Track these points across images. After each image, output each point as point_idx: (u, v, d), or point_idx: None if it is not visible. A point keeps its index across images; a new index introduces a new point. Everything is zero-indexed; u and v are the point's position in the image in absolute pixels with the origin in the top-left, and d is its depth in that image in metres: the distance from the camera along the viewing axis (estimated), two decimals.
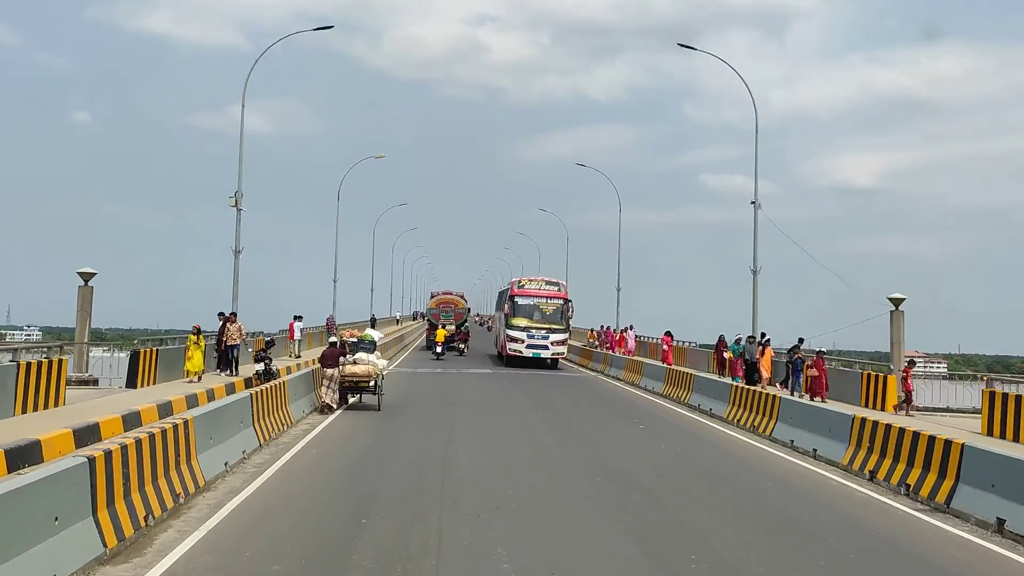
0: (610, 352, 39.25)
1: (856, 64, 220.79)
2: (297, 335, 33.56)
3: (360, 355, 18.94)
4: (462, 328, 47.22)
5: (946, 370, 56.11)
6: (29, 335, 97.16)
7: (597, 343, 44.24)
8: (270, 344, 24.03)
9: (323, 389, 18.41)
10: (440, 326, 44.04)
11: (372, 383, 18.86)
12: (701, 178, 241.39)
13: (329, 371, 18.36)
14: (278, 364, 25.45)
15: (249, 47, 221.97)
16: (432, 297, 52.65)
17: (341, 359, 18.62)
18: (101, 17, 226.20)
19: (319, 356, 19.31)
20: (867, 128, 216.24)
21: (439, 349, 40.29)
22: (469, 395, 24.38)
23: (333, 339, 19.52)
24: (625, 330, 41.67)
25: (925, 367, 61.53)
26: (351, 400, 19.58)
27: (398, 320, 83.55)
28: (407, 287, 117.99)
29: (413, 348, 51.89)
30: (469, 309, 54.23)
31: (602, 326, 46.24)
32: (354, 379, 18.68)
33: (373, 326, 57.09)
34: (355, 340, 20.04)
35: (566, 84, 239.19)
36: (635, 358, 34.70)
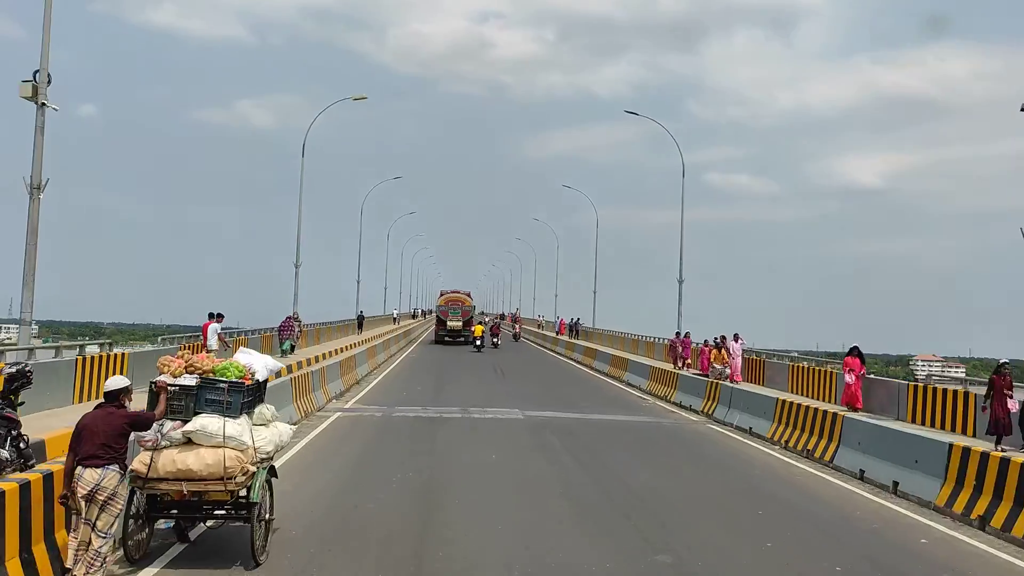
0: (726, 381, 23.55)
1: (862, 65, 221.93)
2: (213, 343, 20.71)
3: (203, 423, 7.62)
4: (492, 324, 55.91)
5: (964, 374, 54.22)
6: None
7: (683, 363, 30.60)
8: (19, 381, 9.26)
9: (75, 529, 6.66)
10: (479, 323, 50.92)
11: (234, 493, 7.78)
12: (707, 176, 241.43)
13: (89, 475, 6.59)
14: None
15: (253, 41, 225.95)
16: (442, 295, 57.39)
17: (145, 437, 7.39)
18: (108, 10, 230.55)
19: (71, 439, 6.86)
20: (871, 129, 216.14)
21: (479, 342, 46.52)
22: (494, 521, 10.01)
23: (111, 384, 7.11)
24: (720, 342, 26.39)
25: (943, 371, 62.63)
26: (210, 524, 8.47)
27: (395, 319, 75.20)
28: (407, 283, 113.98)
29: (416, 344, 52.94)
30: (474, 307, 59.67)
31: (676, 333, 33.46)
32: (183, 485, 7.50)
33: (360, 327, 50.56)
34: (192, 384, 7.79)
35: (571, 81, 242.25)
36: (762, 391, 22.17)
